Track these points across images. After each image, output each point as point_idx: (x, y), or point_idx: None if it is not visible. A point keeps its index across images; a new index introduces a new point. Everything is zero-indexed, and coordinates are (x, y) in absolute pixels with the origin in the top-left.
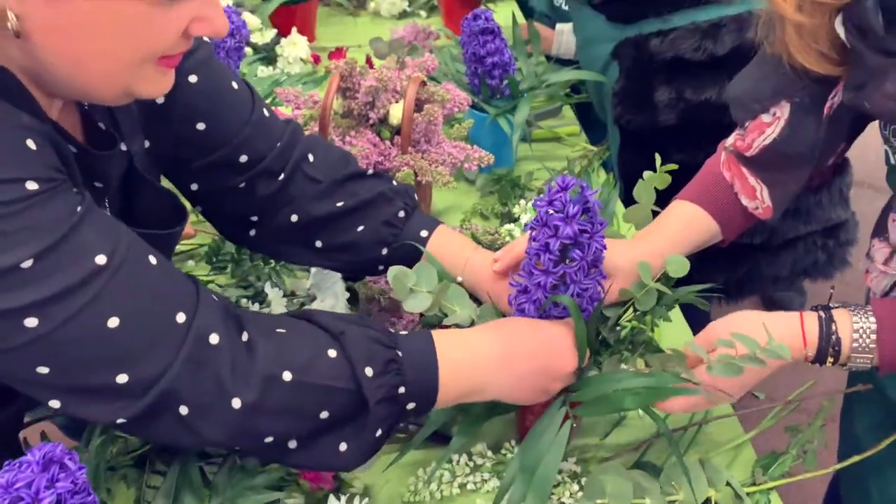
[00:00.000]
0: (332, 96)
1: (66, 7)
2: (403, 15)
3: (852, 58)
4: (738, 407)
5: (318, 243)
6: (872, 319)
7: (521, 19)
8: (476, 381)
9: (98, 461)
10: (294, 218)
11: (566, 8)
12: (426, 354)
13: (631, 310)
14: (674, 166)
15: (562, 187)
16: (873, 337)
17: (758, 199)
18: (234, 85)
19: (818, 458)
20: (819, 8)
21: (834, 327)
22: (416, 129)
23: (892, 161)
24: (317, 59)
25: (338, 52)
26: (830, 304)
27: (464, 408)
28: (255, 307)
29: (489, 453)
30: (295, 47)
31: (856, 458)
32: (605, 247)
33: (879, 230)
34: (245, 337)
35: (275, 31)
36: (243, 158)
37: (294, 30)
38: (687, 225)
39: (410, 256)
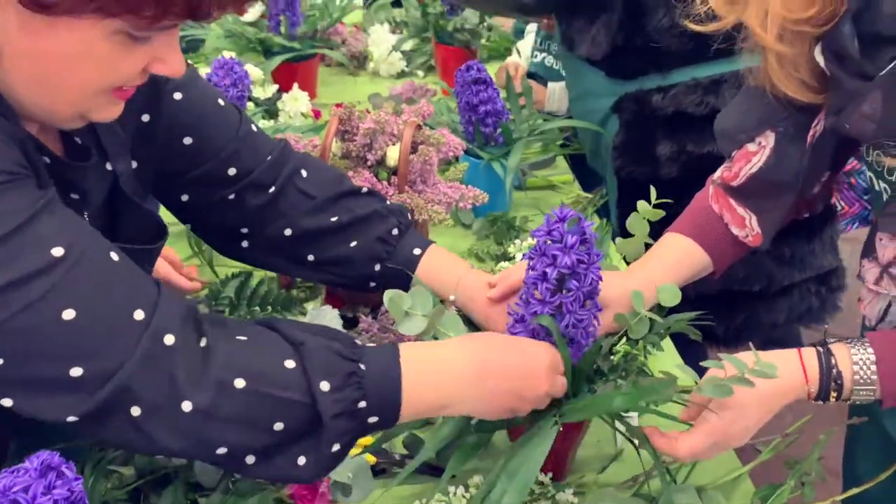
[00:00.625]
0: (331, 138)
1: (44, 40)
2: (401, 75)
3: (831, 84)
4: None
5: (311, 257)
6: (871, 350)
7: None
8: (443, 395)
9: (92, 495)
10: (287, 231)
11: (557, 67)
12: (390, 368)
13: (623, 338)
14: (668, 200)
15: (560, 218)
16: (874, 368)
17: (747, 227)
18: (221, 102)
19: (820, 494)
20: (798, 37)
21: (833, 361)
22: (413, 169)
23: (877, 187)
24: (317, 115)
25: (338, 108)
26: (827, 340)
27: (459, 438)
28: None
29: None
30: (296, 102)
31: (854, 491)
32: (601, 278)
33: (868, 250)
34: (203, 342)
35: (276, 86)
36: (231, 171)
37: (296, 85)
38: (680, 257)
39: (403, 275)
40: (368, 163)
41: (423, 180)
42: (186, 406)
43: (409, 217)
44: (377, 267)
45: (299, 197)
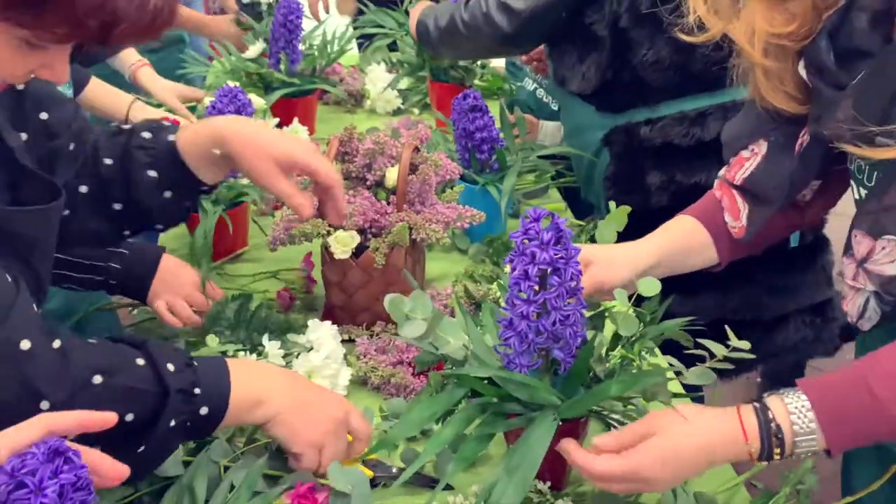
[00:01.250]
0: (331, 159)
1: None
2: (397, 112)
3: (813, 94)
4: None
5: (117, 206)
6: (804, 397)
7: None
8: (263, 391)
9: None
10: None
11: (548, 100)
12: (219, 364)
13: (618, 344)
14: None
15: (535, 218)
16: (810, 415)
17: (738, 219)
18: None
19: None
20: (782, 52)
21: (771, 414)
22: (411, 189)
23: (856, 196)
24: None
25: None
26: (762, 396)
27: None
28: (253, 357)
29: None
30: (295, 135)
31: (849, 499)
32: (580, 273)
33: (847, 248)
34: (57, 344)
35: (277, 119)
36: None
37: (296, 119)
38: (683, 232)
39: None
40: (368, 183)
41: (421, 201)
42: (44, 405)
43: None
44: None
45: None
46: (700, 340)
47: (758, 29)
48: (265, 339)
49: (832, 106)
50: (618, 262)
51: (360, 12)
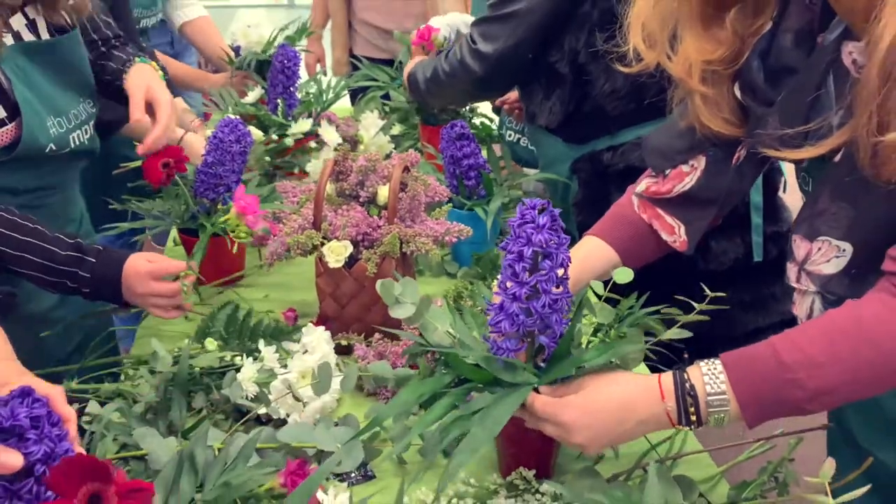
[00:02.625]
0: (326, 177)
1: None
2: (390, 156)
3: (749, 113)
4: (708, 445)
5: None
6: (718, 361)
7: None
8: None
9: None
10: None
11: (532, 148)
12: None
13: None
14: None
15: (531, 206)
16: (722, 377)
17: (675, 234)
18: None
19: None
20: (717, 78)
21: (686, 375)
22: (401, 206)
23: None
24: None
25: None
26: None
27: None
28: (249, 360)
29: (472, 480)
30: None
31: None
32: (570, 260)
33: (790, 254)
34: None
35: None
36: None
37: None
38: (588, 253)
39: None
40: (361, 200)
41: (411, 217)
42: None
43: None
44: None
45: None
46: (677, 297)
47: (693, 59)
48: (261, 344)
49: (763, 121)
50: None
51: (354, 71)
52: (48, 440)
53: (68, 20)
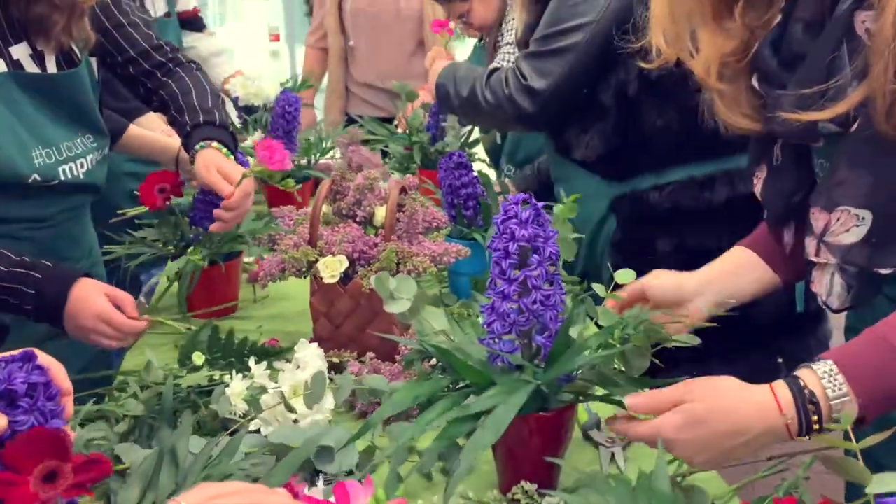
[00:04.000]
0: (323, 196)
1: None
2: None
3: (767, 100)
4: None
5: None
6: (829, 362)
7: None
8: None
9: None
10: None
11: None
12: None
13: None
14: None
15: (514, 202)
16: (840, 378)
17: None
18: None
19: None
20: (733, 74)
21: (802, 382)
22: (399, 226)
23: None
24: None
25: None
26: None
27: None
28: (239, 377)
29: (470, 494)
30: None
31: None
32: (559, 254)
33: (808, 228)
34: None
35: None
36: None
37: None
38: (738, 265)
39: None
40: (357, 219)
41: (408, 238)
42: None
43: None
44: None
45: None
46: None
47: (709, 55)
48: (251, 362)
49: (778, 105)
50: (677, 288)
51: (349, 123)
52: (39, 413)
53: (77, 54)
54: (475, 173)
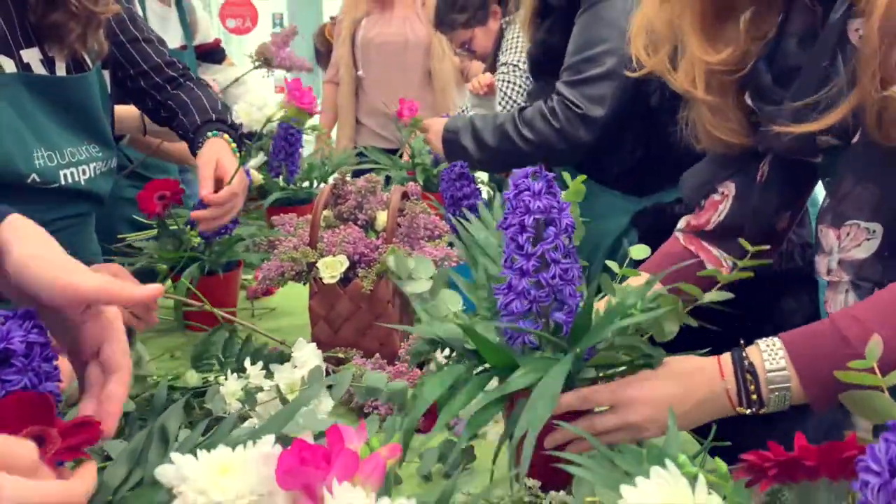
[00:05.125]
0: (324, 199)
1: None
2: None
3: (761, 116)
4: None
5: None
6: (776, 339)
7: None
8: None
9: None
10: None
11: None
12: None
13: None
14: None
15: (523, 175)
16: (781, 353)
17: (724, 266)
18: None
19: None
20: (722, 86)
21: (744, 353)
22: (400, 231)
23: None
24: None
25: None
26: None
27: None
28: (234, 376)
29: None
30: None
31: None
32: (574, 225)
33: (817, 247)
34: None
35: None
36: None
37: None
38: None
39: None
40: (359, 222)
41: (409, 243)
42: None
43: None
44: None
45: None
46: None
47: (696, 63)
48: (247, 362)
49: (773, 120)
50: None
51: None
52: (33, 374)
53: (88, 62)
54: (477, 185)
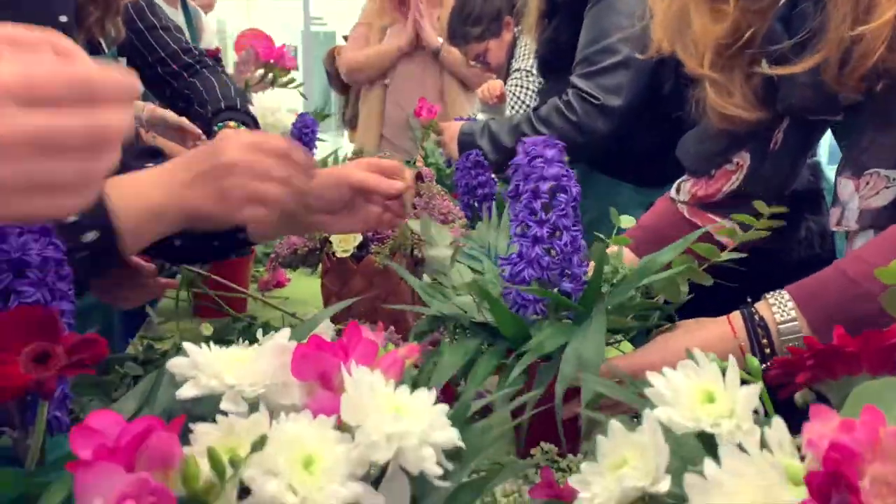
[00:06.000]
0: None
1: None
2: None
3: (781, 83)
4: None
5: None
6: (784, 291)
7: None
8: (156, 197)
9: None
10: None
11: None
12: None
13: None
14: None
15: (533, 143)
16: (790, 304)
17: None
18: None
19: None
20: (727, 63)
21: (754, 309)
22: (416, 204)
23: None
24: None
25: None
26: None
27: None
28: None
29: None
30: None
31: None
32: (581, 194)
33: (834, 200)
34: None
35: None
36: None
37: None
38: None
39: None
40: None
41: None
42: None
43: None
44: None
45: None
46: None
47: (700, 38)
48: (259, 333)
49: (794, 76)
50: None
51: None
52: (47, 290)
53: (104, 47)
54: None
